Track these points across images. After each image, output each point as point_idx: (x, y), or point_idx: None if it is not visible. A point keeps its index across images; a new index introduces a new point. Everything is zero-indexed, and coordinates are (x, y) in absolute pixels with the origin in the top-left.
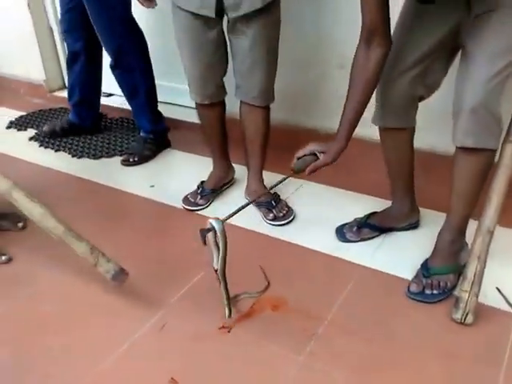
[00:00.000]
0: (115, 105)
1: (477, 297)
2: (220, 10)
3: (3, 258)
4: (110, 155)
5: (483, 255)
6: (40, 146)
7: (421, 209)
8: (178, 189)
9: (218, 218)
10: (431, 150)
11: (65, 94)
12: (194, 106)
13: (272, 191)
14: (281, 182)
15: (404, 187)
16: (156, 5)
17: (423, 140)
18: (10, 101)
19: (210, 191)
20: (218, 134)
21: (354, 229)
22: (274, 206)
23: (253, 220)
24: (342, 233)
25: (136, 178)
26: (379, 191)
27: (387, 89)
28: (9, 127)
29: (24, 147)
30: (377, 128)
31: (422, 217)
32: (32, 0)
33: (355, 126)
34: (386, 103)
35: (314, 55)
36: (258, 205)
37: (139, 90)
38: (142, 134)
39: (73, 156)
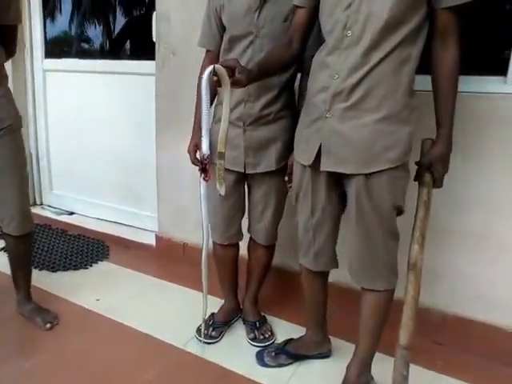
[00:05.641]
0: (75, 223)
1: None
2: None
3: (48, 325)
4: (65, 269)
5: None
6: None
7: (335, 339)
8: None
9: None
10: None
11: None
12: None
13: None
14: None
15: (316, 318)
16: None
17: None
18: None
19: (221, 324)
20: (231, 271)
21: (272, 354)
22: (258, 328)
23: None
24: (261, 356)
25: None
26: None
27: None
28: None
29: None
30: None
31: (337, 347)
32: None
33: (264, 67)
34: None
35: None
36: (245, 322)
37: None
38: None
39: (34, 268)
